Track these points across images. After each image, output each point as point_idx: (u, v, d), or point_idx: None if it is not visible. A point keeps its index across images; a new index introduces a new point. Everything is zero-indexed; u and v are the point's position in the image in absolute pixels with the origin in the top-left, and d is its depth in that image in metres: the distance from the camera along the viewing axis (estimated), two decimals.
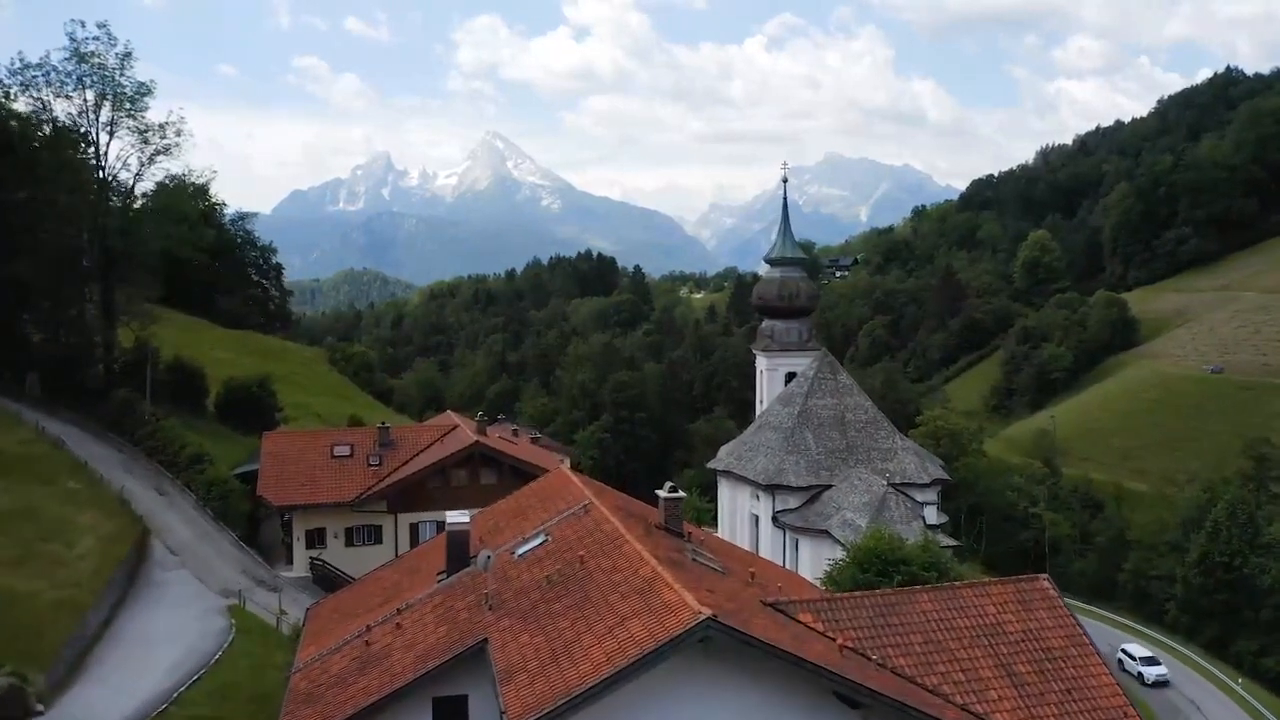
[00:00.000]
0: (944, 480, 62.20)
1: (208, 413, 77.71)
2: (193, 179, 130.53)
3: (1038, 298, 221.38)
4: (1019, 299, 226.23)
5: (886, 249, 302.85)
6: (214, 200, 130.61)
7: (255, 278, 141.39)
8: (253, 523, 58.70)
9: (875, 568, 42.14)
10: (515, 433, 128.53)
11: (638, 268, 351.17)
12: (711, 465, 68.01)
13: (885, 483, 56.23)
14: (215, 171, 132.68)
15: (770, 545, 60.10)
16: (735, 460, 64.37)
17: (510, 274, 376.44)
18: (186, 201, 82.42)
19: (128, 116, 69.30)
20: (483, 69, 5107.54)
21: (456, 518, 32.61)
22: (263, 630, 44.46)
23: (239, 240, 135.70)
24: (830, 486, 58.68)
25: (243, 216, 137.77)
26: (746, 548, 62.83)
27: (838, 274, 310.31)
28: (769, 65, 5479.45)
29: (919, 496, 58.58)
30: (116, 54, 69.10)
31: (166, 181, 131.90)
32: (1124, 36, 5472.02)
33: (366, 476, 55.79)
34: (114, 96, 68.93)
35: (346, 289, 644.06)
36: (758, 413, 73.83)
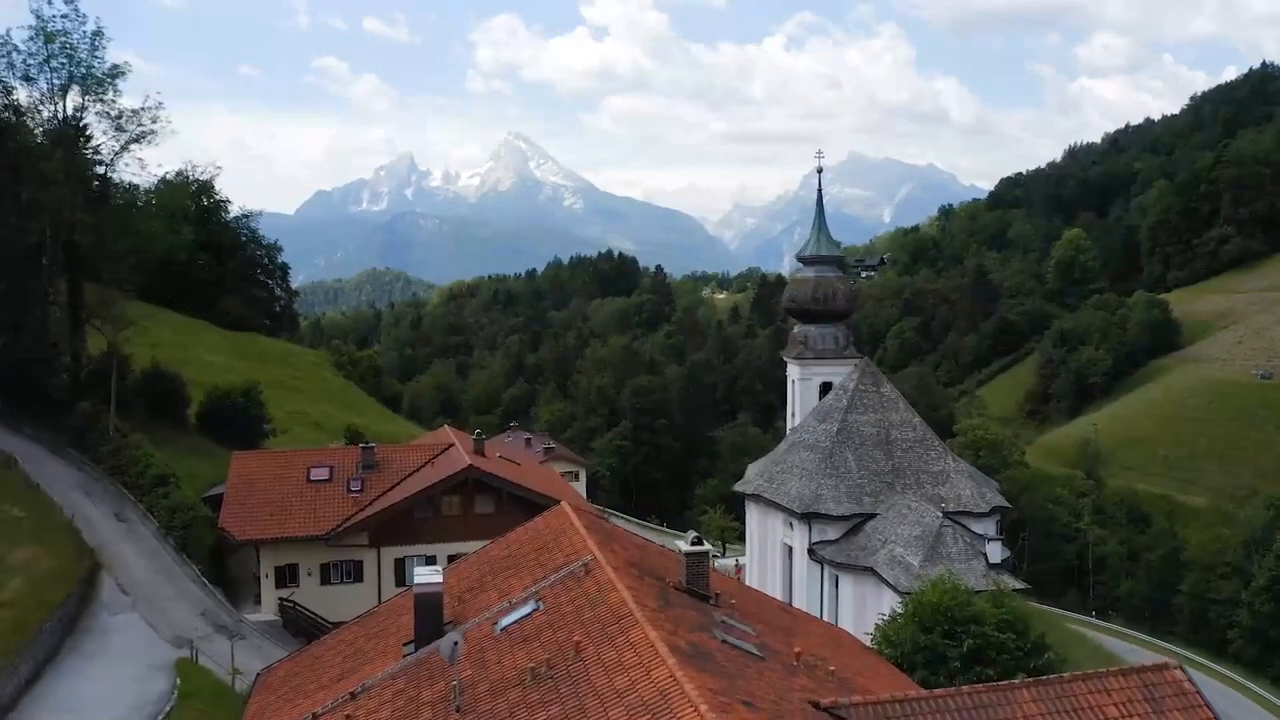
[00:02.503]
0: (1003, 508, 54.74)
1: (189, 425, 70.48)
2: (196, 175, 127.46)
3: (1073, 298, 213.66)
4: (1053, 300, 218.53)
5: (914, 248, 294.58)
6: (218, 197, 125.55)
7: (262, 278, 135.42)
8: (220, 554, 51.49)
9: (940, 628, 35.20)
10: (529, 442, 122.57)
11: (659, 268, 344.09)
12: (739, 489, 60.27)
13: (940, 514, 48.73)
14: (219, 168, 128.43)
15: (805, 582, 52.71)
16: (766, 483, 56.64)
17: (531, 274, 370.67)
18: (173, 196, 75.76)
19: (98, 101, 62.93)
20: (502, 69, 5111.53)
21: (427, 577, 25.86)
22: (213, 692, 37.76)
23: (244, 238, 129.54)
24: (875, 515, 51.14)
25: (247, 215, 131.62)
26: (779, 582, 55.97)
27: (864, 274, 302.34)
28: (789, 64, 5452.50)
29: (976, 527, 51.12)
30: (86, 33, 62.79)
31: (170, 177, 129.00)
32: (1147, 34, 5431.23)
33: (345, 505, 48.56)
34: (83, 80, 62.60)
35: (369, 289, 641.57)
36: (789, 426, 66.25)
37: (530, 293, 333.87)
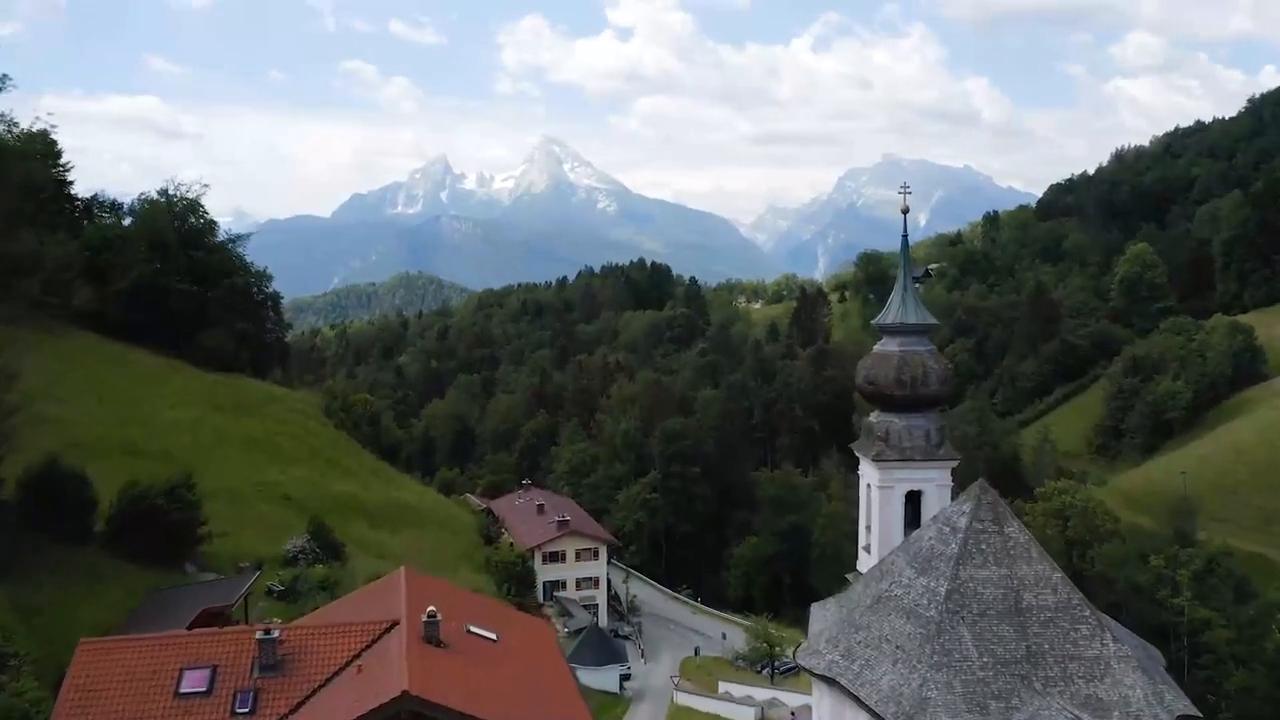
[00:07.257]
0: (1190, 718, 38.25)
1: (95, 539, 54.87)
2: (183, 193, 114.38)
3: (1140, 319, 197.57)
4: (1119, 320, 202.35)
5: (963, 260, 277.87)
6: (205, 216, 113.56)
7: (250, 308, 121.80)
8: None
9: None
10: (541, 508, 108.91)
11: (693, 279, 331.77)
12: (804, 663, 43.56)
13: None
14: (206, 185, 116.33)
15: None
16: (843, 659, 39.53)
17: (561, 282, 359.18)
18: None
19: None
20: (528, 71, 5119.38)
21: None
22: None
23: (235, 263, 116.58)
24: None
25: (234, 239, 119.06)
26: None
27: None
28: (816, 65, 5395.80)
29: None
30: None
31: (155, 195, 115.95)
32: (1179, 32, 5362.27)
33: None
34: None
35: (402, 292, 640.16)
36: (862, 543, 50.49)
37: (559, 303, 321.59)
